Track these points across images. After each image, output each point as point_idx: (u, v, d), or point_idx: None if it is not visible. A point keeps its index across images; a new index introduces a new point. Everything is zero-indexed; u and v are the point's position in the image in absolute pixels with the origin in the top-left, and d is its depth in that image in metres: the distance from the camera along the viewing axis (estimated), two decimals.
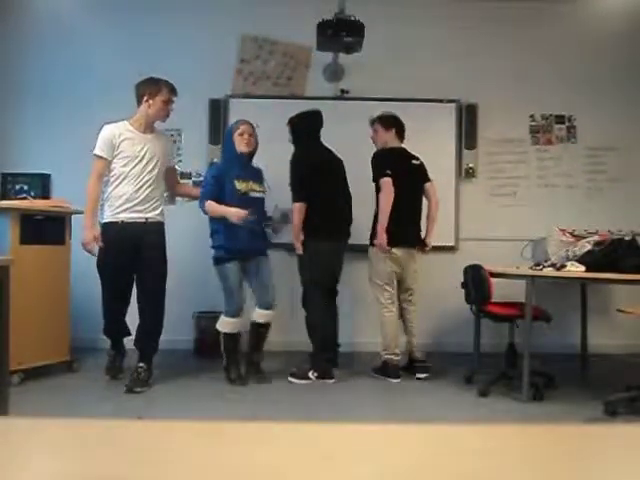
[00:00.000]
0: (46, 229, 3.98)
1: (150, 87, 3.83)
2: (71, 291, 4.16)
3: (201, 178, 5.29)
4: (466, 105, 5.30)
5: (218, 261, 3.87)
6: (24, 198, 4.59)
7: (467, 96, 5.29)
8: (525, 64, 5.33)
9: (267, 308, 3.92)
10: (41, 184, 5.18)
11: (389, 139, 4.26)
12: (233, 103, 5.23)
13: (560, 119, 5.43)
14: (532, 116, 5.42)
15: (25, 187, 5.17)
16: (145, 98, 3.83)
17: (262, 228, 3.98)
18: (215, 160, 5.16)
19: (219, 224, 3.83)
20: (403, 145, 4.32)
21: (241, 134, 3.89)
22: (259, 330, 3.97)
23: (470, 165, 5.32)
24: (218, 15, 5.20)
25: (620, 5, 5.36)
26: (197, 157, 5.28)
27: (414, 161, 4.26)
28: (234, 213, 3.69)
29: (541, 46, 5.36)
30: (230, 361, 3.92)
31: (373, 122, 4.33)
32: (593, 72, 5.35)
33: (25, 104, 5.23)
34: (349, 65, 5.10)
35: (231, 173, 3.84)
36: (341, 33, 4.29)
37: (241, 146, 3.87)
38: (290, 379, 3.98)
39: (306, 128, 4.15)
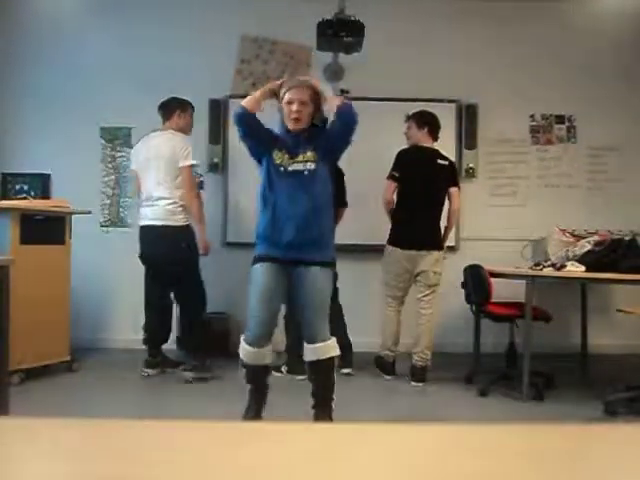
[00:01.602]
0: (46, 229, 3.98)
1: (181, 104, 4.23)
2: (71, 291, 4.16)
3: (202, 178, 5.29)
4: (466, 105, 5.30)
5: (253, 261, 2.82)
6: (24, 198, 4.60)
7: (467, 96, 5.29)
8: (525, 64, 5.33)
9: (313, 342, 2.74)
10: (41, 184, 5.18)
11: (421, 137, 4.18)
12: (233, 103, 5.21)
13: (560, 119, 5.43)
14: (532, 116, 5.42)
15: (25, 187, 5.18)
16: (177, 112, 4.19)
17: (319, 223, 2.75)
18: (216, 160, 5.17)
19: (260, 212, 2.81)
20: (435, 145, 4.22)
21: (289, 102, 2.75)
22: (311, 371, 2.82)
23: (470, 165, 5.32)
24: (218, 15, 5.20)
25: (620, 5, 5.36)
26: (197, 157, 5.25)
27: (441, 161, 4.16)
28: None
29: (541, 46, 5.36)
30: (250, 402, 2.85)
31: (409, 118, 4.29)
32: (593, 72, 5.35)
33: (25, 104, 5.23)
34: (349, 65, 5.10)
35: (274, 141, 2.81)
36: (341, 33, 4.29)
37: (286, 118, 2.79)
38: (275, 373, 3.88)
39: None
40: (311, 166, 2.71)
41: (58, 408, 3.26)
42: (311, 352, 2.75)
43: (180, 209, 3.99)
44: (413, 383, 4.01)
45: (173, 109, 4.18)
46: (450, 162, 4.22)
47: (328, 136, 2.80)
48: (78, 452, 0.46)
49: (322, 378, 2.79)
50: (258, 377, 2.83)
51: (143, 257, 4.09)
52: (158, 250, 3.98)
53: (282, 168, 2.72)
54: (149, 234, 4.01)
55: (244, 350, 2.76)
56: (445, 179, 4.17)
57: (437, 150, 4.20)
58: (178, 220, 3.98)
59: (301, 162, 2.72)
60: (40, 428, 0.49)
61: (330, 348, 2.76)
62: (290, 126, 2.75)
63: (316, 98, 2.78)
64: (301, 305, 2.76)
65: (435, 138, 4.21)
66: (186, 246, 4.00)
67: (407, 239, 4.07)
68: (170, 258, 3.95)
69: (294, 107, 2.71)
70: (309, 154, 2.73)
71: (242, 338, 2.79)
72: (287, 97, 2.74)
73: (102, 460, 0.43)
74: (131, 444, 0.47)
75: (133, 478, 0.40)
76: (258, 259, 2.75)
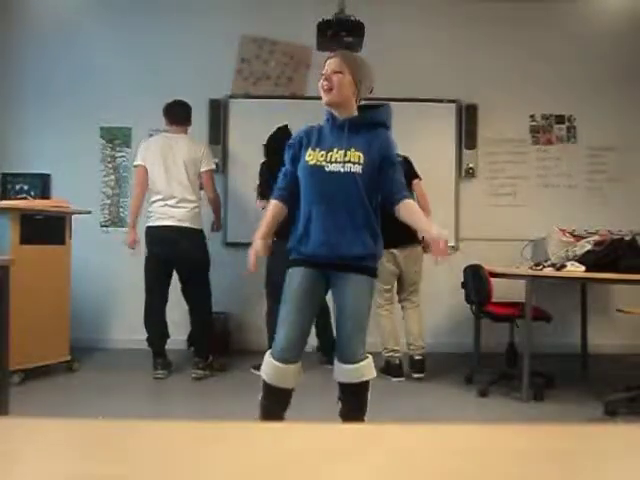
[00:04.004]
0: (46, 229, 3.98)
1: (191, 112, 4.31)
2: (71, 291, 4.16)
3: None
4: (466, 105, 5.30)
5: (288, 264, 2.46)
6: (24, 198, 4.60)
7: (467, 96, 5.29)
8: (525, 64, 5.34)
9: (345, 361, 2.35)
10: (41, 184, 5.18)
11: None
12: (233, 103, 5.23)
13: (560, 119, 5.43)
14: (532, 116, 5.42)
15: (25, 187, 5.18)
16: (189, 121, 4.31)
17: (355, 225, 2.34)
18: (216, 160, 5.14)
19: (300, 210, 2.41)
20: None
21: (323, 73, 2.43)
22: (342, 393, 2.42)
23: (470, 165, 5.32)
24: (218, 15, 5.20)
25: (620, 5, 5.36)
26: None
27: None
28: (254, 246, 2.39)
29: (541, 46, 5.36)
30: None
31: None
32: (593, 72, 5.35)
33: (25, 104, 5.23)
34: None
35: (312, 137, 2.42)
36: (341, 33, 4.29)
37: (321, 93, 2.42)
38: (252, 370, 3.98)
39: (275, 143, 4.15)
40: (349, 169, 2.31)
41: (58, 408, 3.26)
42: (343, 373, 2.37)
43: (199, 212, 4.13)
44: (414, 375, 4.14)
45: (188, 117, 4.28)
46: (403, 157, 4.29)
47: (379, 165, 2.35)
48: (78, 452, 0.46)
49: (353, 401, 2.40)
50: (274, 404, 2.35)
51: (161, 257, 4.07)
52: (184, 252, 4.03)
53: (315, 169, 2.34)
54: (174, 235, 4.01)
55: (269, 367, 2.32)
56: (406, 175, 4.26)
57: None
58: (200, 223, 4.13)
59: (342, 162, 2.32)
60: (40, 428, 0.49)
61: (365, 370, 2.36)
62: (323, 99, 2.40)
63: (354, 72, 2.40)
64: (337, 317, 2.38)
65: None
66: (206, 248, 4.19)
67: (385, 239, 4.13)
68: (196, 260, 4.08)
69: (327, 70, 2.40)
70: (351, 158, 2.32)
71: (268, 352, 2.37)
72: (324, 68, 2.43)
73: (102, 460, 0.43)
74: (131, 444, 0.47)
75: (133, 478, 0.40)
76: (293, 262, 2.42)
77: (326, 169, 2.31)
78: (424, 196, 4.32)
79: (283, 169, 2.49)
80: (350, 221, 2.32)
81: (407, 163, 4.32)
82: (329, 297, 2.58)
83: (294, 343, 2.31)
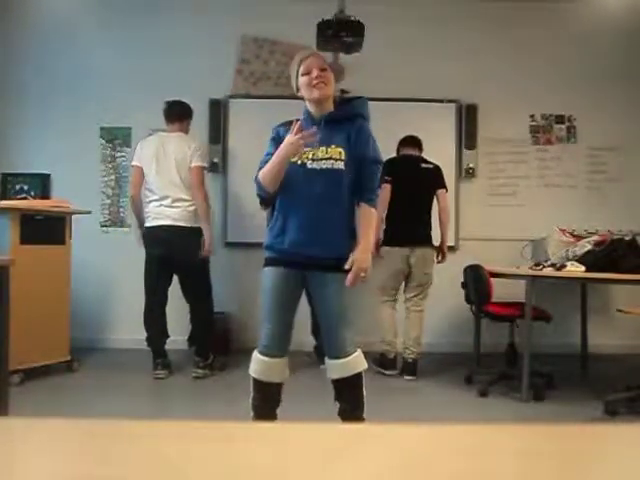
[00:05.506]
0: (46, 229, 3.98)
1: (191, 112, 4.31)
2: (71, 291, 4.16)
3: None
4: (466, 105, 5.30)
5: (264, 264, 2.45)
6: (24, 198, 4.60)
7: (467, 96, 5.29)
8: (525, 64, 5.34)
9: (334, 357, 2.37)
10: (41, 184, 5.18)
11: (407, 150, 4.41)
12: (233, 103, 5.23)
13: (560, 119, 5.43)
14: (532, 116, 5.42)
15: (25, 187, 5.18)
16: (188, 120, 4.29)
17: (336, 223, 2.35)
18: (216, 160, 5.16)
19: (275, 212, 2.42)
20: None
21: (307, 73, 2.36)
22: (337, 391, 2.42)
23: (470, 165, 5.32)
24: (218, 15, 5.20)
25: (620, 5, 5.36)
26: None
27: (424, 164, 4.33)
28: (288, 142, 2.23)
29: (541, 46, 5.36)
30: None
31: (401, 145, 4.51)
32: (593, 72, 5.35)
33: (25, 104, 5.23)
34: (349, 65, 5.10)
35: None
36: (341, 33, 4.29)
37: (308, 91, 2.37)
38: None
39: None
40: (331, 165, 2.30)
41: (58, 408, 3.26)
42: (335, 369, 2.37)
43: (196, 210, 4.10)
44: (406, 377, 4.16)
45: (186, 116, 4.26)
46: (435, 166, 4.36)
47: (359, 157, 2.36)
48: (78, 452, 0.46)
49: (349, 398, 2.39)
50: (263, 399, 2.40)
51: (159, 257, 4.07)
52: (181, 251, 4.02)
53: (299, 166, 2.30)
54: (170, 235, 4.01)
55: (256, 362, 2.38)
56: (431, 181, 4.32)
57: (421, 156, 4.39)
58: (197, 222, 4.08)
59: (324, 159, 2.30)
60: (40, 428, 0.49)
61: (356, 363, 2.37)
62: (315, 95, 2.34)
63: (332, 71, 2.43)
64: (322, 315, 2.40)
65: (415, 145, 4.42)
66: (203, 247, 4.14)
67: (400, 238, 4.20)
68: (193, 259, 4.05)
69: (314, 73, 2.33)
70: (333, 154, 2.31)
71: (255, 351, 2.41)
72: (302, 68, 2.36)
73: (102, 460, 0.43)
74: (131, 444, 0.47)
75: (133, 478, 0.40)
76: (268, 261, 2.41)
77: (308, 166, 2.30)
78: (446, 209, 4.35)
79: (265, 162, 2.37)
80: (329, 220, 2.32)
81: (437, 170, 4.34)
82: None
83: (278, 338, 2.36)
